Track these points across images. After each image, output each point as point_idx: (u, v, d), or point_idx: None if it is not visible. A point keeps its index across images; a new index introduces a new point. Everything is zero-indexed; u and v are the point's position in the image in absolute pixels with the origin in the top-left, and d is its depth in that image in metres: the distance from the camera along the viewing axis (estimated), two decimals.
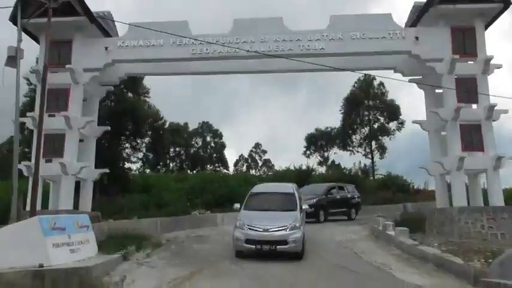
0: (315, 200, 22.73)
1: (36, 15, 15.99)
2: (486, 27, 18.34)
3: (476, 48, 17.62)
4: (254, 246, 11.96)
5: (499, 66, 17.44)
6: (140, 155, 40.30)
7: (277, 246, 11.82)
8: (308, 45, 17.89)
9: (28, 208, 14.71)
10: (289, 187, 14.78)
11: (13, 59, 15.70)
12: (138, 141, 36.13)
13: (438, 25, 17.90)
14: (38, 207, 14.92)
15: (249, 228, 12.16)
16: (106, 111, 29.97)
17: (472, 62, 17.70)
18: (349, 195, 26.49)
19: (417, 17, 18.45)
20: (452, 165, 16.90)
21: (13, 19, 16.96)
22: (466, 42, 17.77)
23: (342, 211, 25.18)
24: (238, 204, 14.37)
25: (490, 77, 17.49)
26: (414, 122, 19.72)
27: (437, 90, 18.78)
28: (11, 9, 16.79)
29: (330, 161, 55.99)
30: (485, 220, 15.62)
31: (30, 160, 17.44)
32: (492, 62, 17.21)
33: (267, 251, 11.89)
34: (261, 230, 12.02)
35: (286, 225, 12.07)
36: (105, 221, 17.91)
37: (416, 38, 17.61)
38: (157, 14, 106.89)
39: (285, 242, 11.82)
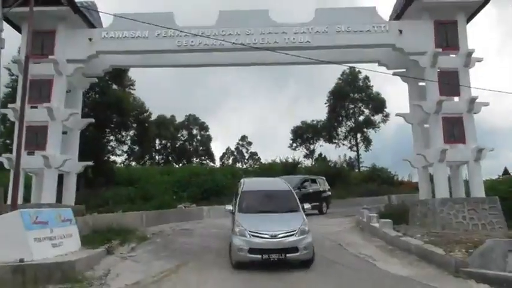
0: None
1: (18, 4, 15.62)
2: (468, 20, 18.59)
3: (458, 42, 17.85)
4: (260, 256, 10.17)
5: (480, 60, 17.69)
6: (125, 147, 40.02)
7: (287, 255, 10.25)
8: (294, 38, 17.87)
9: (9, 202, 14.48)
10: (282, 183, 13.47)
11: None
12: (123, 133, 35.84)
13: (421, 18, 18.06)
14: (20, 200, 14.73)
15: (253, 235, 10.35)
16: (90, 103, 29.61)
17: (454, 56, 17.93)
18: (320, 189, 26.04)
19: (401, 10, 18.56)
20: (434, 157, 17.17)
21: None
22: (448, 36, 17.97)
23: (314, 205, 23.34)
24: (229, 206, 12.87)
25: (472, 69, 17.76)
26: (398, 114, 19.92)
27: (420, 83, 19.00)
28: None
29: (316, 154, 56.39)
30: (466, 211, 15.97)
31: (11, 152, 17.13)
32: (474, 55, 17.46)
33: (275, 261, 10.26)
34: (267, 236, 10.32)
35: (295, 229, 10.55)
36: (90, 214, 17.78)
37: (400, 31, 17.72)
38: (142, 5, 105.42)
39: (295, 249, 10.34)
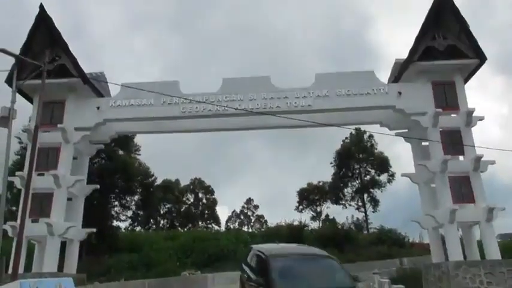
0: None
1: (31, 77, 16.33)
2: (466, 80, 19.09)
3: (457, 102, 18.21)
4: None
5: (481, 118, 17.94)
6: (130, 213, 39.70)
7: None
8: (295, 102, 18.35)
9: (10, 271, 14.12)
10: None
11: (5, 119, 15.81)
12: (128, 199, 35.73)
13: (420, 80, 18.60)
14: (21, 269, 14.38)
15: None
16: (96, 169, 29.87)
17: (455, 115, 18.20)
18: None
19: (399, 73, 19.19)
20: (444, 218, 16.80)
21: (9, 81, 17.31)
22: (447, 96, 18.38)
23: None
24: None
25: (476, 128, 17.93)
26: (403, 175, 19.81)
27: (423, 143, 19.10)
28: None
29: (323, 216, 55.39)
30: (483, 275, 15.31)
31: (16, 219, 17.02)
32: (475, 114, 17.71)
33: None
34: None
35: None
36: (91, 284, 17.23)
37: (400, 93, 18.19)
38: (149, 74, 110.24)
39: None
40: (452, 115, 18.30)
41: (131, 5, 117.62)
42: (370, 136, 51.13)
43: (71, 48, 18.78)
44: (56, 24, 18.87)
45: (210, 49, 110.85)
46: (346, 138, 51.54)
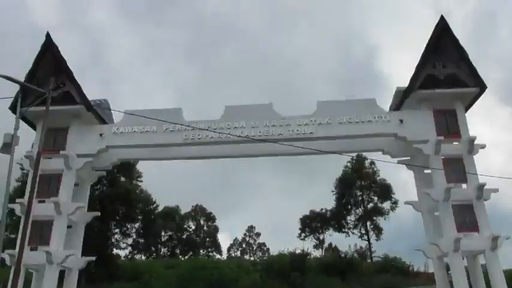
0: None
1: (35, 104, 16.49)
2: (467, 108, 19.18)
3: (459, 129, 18.24)
4: None
5: (483, 146, 17.92)
6: (130, 240, 39.24)
7: None
8: (297, 130, 18.41)
9: None
10: None
11: (8, 146, 15.86)
12: (128, 226, 35.42)
13: (421, 108, 18.70)
14: None
15: None
16: (97, 195, 29.74)
17: (457, 143, 18.20)
18: None
19: (400, 100, 19.30)
20: (448, 246, 16.54)
21: (13, 108, 17.47)
22: (449, 124, 18.43)
23: None
24: None
25: (480, 156, 17.88)
26: (406, 203, 19.65)
27: (426, 171, 19.02)
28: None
29: (326, 244, 54.59)
30: None
31: (15, 247, 16.80)
32: (477, 141, 17.70)
33: None
34: None
35: None
36: None
37: (401, 120, 18.25)
38: (153, 101, 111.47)
39: None
40: (454, 143, 18.29)
41: (149, 34, 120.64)
42: (372, 163, 50.99)
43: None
44: (61, 52, 19.21)
45: (221, 78, 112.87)
46: (348, 162, 51.28)
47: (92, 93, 20.00)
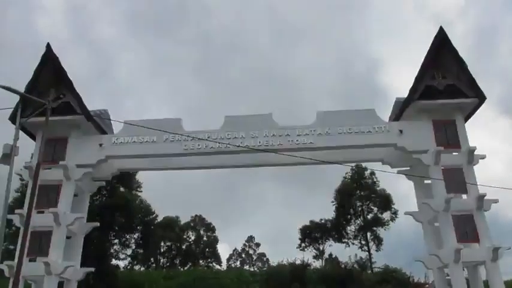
0: None
1: (35, 115, 16.52)
2: (466, 119, 19.21)
3: (459, 140, 18.26)
4: None
5: (483, 157, 17.92)
6: (129, 251, 39.00)
7: None
8: (297, 140, 18.42)
9: None
10: None
11: (7, 156, 15.85)
12: (128, 236, 35.23)
13: (420, 118, 18.73)
14: None
15: None
16: (97, 206, 29.63)
17: (456, 153, 18.20)
18: None
19: (400, 111, 19.34)
20: (449, 257, 16.45)
21: (13, 118, 17.49)
22: (448, 134, 18.45)
23: None
24: None
25: (480, 166, 17.86)
26: (406, 213, 19.59)
27: (426, 181, 19.00)
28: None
29: (326, 254, 54.23)
30: None
31: (14, 258, 16.70)
32: (477, 152, 17.71)
33: None
34: None
35: None
36: None
37: (401, 131, 18.26)
38: (153, 111, 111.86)
39: None
40: (453, 153, 18.30)
41: (157, 49, 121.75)
42: (372, 173, 50.90)
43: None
44: (62, 64, 19.29)
45: (225, 93, 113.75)
46: (347, 173, 51.15)
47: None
